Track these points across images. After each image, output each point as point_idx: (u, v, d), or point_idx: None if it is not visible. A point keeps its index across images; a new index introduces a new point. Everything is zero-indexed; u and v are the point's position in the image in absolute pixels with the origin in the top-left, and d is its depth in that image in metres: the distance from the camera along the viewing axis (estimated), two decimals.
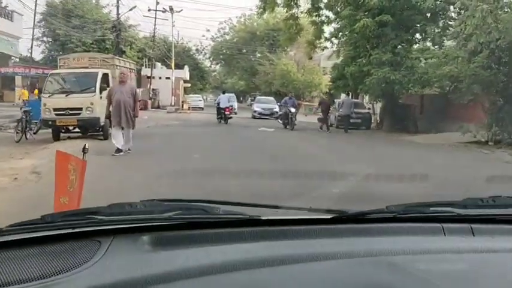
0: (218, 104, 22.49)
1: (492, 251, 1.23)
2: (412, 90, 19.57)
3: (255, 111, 29.36)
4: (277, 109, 28.33)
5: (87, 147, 3.40)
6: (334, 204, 3.38)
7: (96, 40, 36.34)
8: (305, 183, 6.10)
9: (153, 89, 37.86)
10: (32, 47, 31.69)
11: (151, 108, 35.06)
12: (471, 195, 1.56)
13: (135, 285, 0.94)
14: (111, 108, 9.57)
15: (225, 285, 1.00)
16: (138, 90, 10.76)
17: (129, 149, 9.67)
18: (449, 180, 6.90)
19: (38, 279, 0.95)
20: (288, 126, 19.44)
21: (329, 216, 1.34)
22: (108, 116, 9.96)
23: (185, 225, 1.22)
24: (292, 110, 19.43)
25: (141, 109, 28.43)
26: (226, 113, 21.50)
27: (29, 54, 32.66)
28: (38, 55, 39.14)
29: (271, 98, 33.46)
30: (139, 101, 9.35)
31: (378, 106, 25.29)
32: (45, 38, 39.07)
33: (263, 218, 1.28)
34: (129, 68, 15.80)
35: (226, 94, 23.58)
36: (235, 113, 31.57)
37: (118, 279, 0.95)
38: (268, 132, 17.82)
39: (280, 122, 20.55)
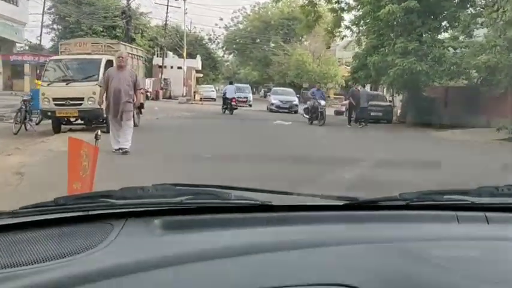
0: (224, 94, 22.77)
1: (506, 239, 1.20)
2: (438, 82, 18.44)
3: (271, 104, 27.28)
4: (296, 102, 27.01)
5: (99, 133, 3.62)
6: None
7: (106, 28, 35.53)
8: None
9: (164, 79, 37.07)
10: (41, 34, 31.13)
11: (163, 98, 34.32)
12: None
13: (147, 268, 0.94)
14: (105, 97, 8.24)
15: (235, 269, 0.98)
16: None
17: (121, 149, 8.01)
18: None
19: (51, 259, 0.95)
20: (315, 121, 17.50)
21: (341, 203, 1.32)
22: (105, 105, 8.53)
23: (196, 209, 1.21)
24: (322, 102, 17.62)
25: (152, 99, 27.90)
26: (232, 103, 21.58)
27: (38, 42, 31.97)
28: (47, 43, 38.55)
29: (290, 90, 31.03)
30: (142, 90, 8.34)
31: (398, 99, 24.13)
32: (54, 26, 38.43)
33: (274, 203, 1.25)
34: (137, 55, 14.89)
35: (233, 84, 23.83)
36: (250, 105, 30.53)
37: (130, 261, 0.96)
38: (288, 126, 16.39)
39: (306, 116, 18.37)
